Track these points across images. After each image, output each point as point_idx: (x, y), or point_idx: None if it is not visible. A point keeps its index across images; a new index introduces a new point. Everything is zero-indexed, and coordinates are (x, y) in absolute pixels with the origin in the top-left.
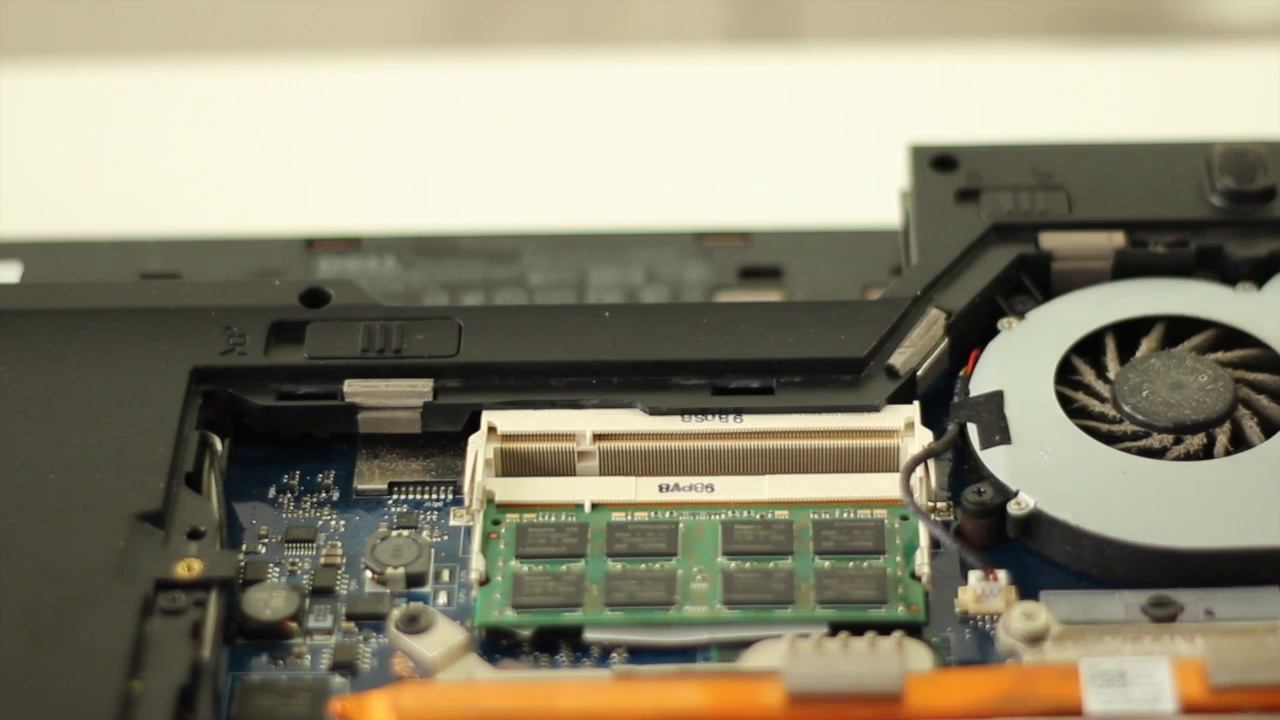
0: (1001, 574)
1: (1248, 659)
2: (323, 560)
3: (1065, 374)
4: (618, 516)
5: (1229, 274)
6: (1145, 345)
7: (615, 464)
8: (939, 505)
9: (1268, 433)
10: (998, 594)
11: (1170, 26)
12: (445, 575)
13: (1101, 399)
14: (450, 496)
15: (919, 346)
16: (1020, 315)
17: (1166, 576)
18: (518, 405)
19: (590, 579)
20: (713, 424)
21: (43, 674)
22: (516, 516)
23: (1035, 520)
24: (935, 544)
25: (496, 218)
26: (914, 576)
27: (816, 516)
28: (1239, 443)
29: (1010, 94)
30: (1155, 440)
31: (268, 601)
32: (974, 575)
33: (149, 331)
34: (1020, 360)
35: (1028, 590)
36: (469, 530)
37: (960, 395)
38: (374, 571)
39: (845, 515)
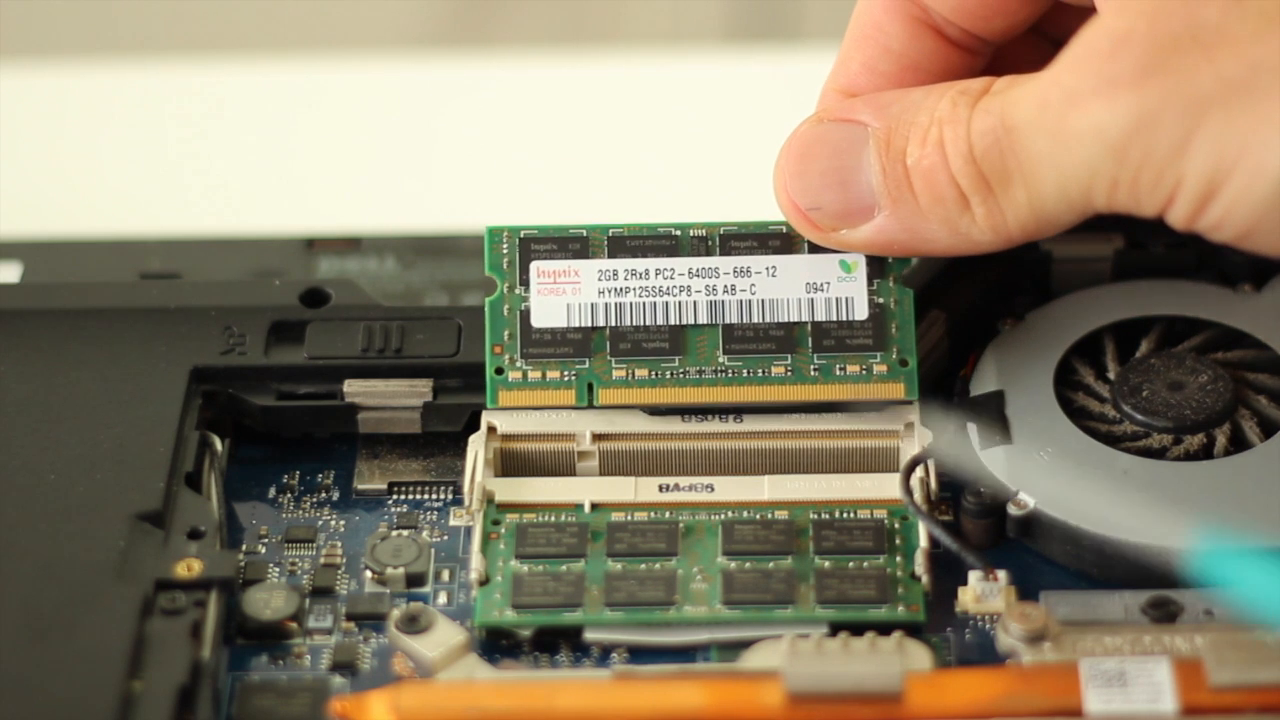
0: (1001, 574)
1: (1248, 659)
2: (323, 560)
3: (1065, 374)
4: (618, 516)
5: (1229, 275)
6: (1145, 345)
7: (615, 464)
8: (939, 505)
9: (1267, 433)
10: (998, 594)
11: None
12: (445, 575)
13: (1101, 399)
14: (450, 496)
15: (919, 346)
16: (1020, 316)
17: (1166, 576)
18: (517, 405)
19: (590, 579)
20: (713, 424)
21: (43, 674)
22: (516, 516)
23: (1035, 520)
24: (935, 544)
25: (496, 218)
26: (914, 576)
27: (816, 516)
28: (1239, 443)
29: None
30: (1155, 440)
31: (268, 601)
32: (974, 575)
33: (149, 331)
34: (1020, 360)
35: (1028, 590)
36: (469, 530)
37: (960, 395)
38: (374, 571)
39: (845, 515)
